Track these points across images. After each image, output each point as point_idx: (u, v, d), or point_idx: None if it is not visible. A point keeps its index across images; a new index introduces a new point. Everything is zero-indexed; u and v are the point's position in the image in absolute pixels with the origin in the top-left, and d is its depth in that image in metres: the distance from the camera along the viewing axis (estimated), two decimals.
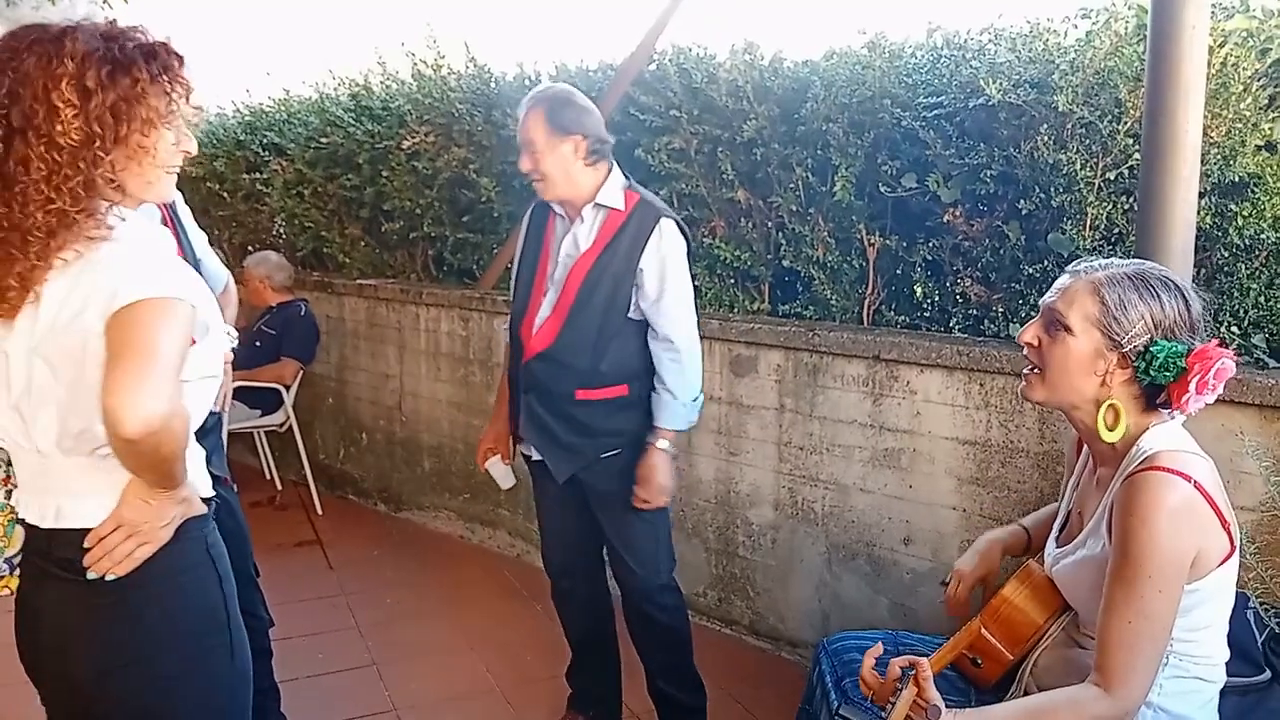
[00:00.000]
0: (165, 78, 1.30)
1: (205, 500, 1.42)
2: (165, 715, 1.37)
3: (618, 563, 2.46)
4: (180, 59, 1.34)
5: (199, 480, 1.42)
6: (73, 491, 1.31)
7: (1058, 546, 1.66)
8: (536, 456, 2.39)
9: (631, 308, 2.28)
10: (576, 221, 2.30)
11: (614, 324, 2.27)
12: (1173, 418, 1.51)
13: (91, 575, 1.29)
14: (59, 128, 1.21)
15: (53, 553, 1.32)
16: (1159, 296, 1.46)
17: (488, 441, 2.55)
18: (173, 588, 1.36)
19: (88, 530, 1.29)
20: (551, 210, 2.36)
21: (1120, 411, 1.48)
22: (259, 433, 4.73)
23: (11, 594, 1.42)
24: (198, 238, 2.12)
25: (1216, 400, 1.46)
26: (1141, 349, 1.45)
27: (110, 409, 1.15)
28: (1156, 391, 1.47)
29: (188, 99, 1.35)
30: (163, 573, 1.33)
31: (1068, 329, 1.49)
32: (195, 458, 1.41)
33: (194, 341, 1.30)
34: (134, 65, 1.27)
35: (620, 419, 2.33)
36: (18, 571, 1.41)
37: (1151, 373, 1.44)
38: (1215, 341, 1.44)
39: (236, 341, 1.84)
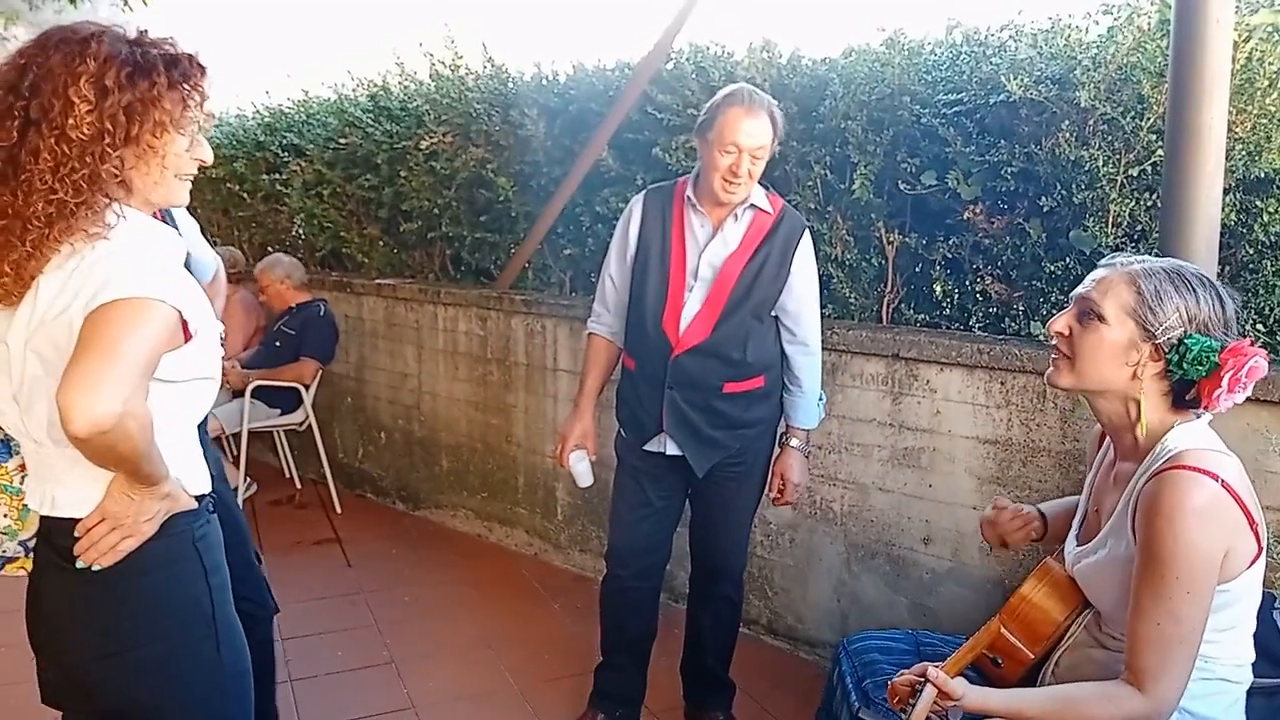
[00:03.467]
0: (185, 84, 1.33)
1: (200, 496, 1.44)
2: (151, 702, 1.40)
3: (714, 545, 2.51)
4: (203, 70, 1.36)
5: (191, 477, 1.43)
6: (64, 481, 1.34)
7: (1078, 545, 1.64)
8: (672, 451, 2.38)
9: (775, 306, 2.37)
10: (728, 220, 2.31)
11: (763, 319, 2.35)
12: (1199, 417, 1.50)
13: (80, 564, 1.32)
14: (71, 121, 1.24)
15: (51, 539, 1.37)
16: (1195, 291, 1.45)
17: (574, 436, 2.48)
18: (158, 580, 1.39)
19: (78, 520, 1.33)
20: (677, 205, 2.35)
21: (1142, 406, 1.47)
22: (278, 432, 4.76)
23: (26, 574, 1.46)
24: (187, 225, 2.07)
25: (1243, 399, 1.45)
26: (1175, 342, 1.44)
27: (62, 406, 1.16)
28: (1186, 387, 1.46)
29: (202, 107, 1.37)
30: (148, 565, 1.36)
31: (1101, 318, 1.48)
32: (189, 454, 1.43)
33: (188, 339, 1.32)
34: (154, 70, 1.29)
35: (757, 409, 2.41)
36: (32, 554, 1.45)
37: (1184, 366, 1.42)
38: (1248, 340, 1.43)
39: (223, 329, 1.84)
